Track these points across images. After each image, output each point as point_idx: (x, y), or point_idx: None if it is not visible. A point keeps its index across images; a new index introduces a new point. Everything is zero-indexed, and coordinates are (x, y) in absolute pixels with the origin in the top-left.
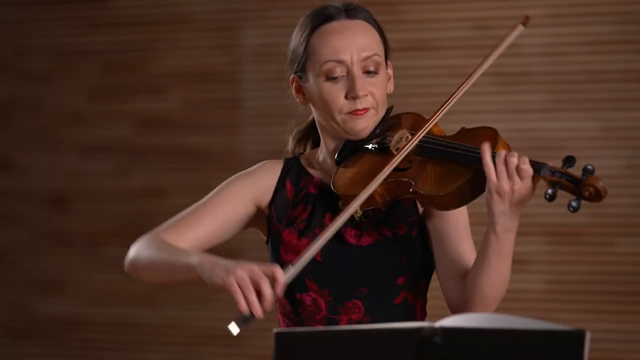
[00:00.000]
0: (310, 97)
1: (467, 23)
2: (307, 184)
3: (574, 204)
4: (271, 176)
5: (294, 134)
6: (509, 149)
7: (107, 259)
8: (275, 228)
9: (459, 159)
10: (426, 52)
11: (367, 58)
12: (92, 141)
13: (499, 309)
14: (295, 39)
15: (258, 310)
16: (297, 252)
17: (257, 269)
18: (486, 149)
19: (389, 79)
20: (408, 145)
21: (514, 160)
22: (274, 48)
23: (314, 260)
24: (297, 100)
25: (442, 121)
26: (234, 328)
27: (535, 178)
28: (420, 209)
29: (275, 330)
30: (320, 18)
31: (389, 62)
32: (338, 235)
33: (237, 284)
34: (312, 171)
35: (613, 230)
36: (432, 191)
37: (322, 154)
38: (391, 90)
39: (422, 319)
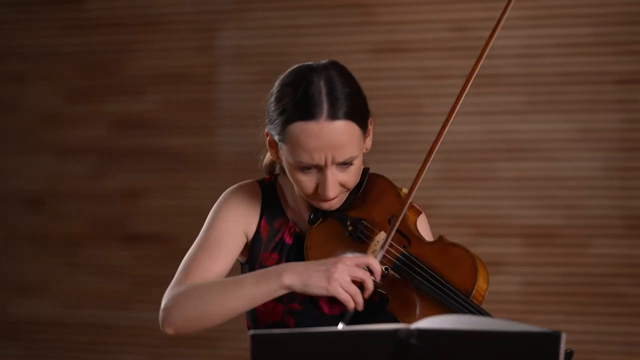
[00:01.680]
0: (283, 164)
1: (443, 25)
2: (282, 227)
3: None
4: (255, 208)
5: (265, 163)
6: (487, 276)
7: (83, 260)
8: (254, 267)
9: (437, 297)
10: (401, 53)
11: (342, 163)
12: (68, 142)
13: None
14: (274, 108)
15: (362, 307)
16: (271, 315)
17: (354, 265)
18: None
19: (368, 137)
20: (384, 246)
21: None
22: (249, 50)
23: (286, 326)
24: (269, 153)
25: (418, 123)
26: (341, 326)
27: None
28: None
29: (251, 332)
30: (302, 111)
31: (370, 119)
32: (312, 300)
33: (345, 290)
34: (287, 211)
35: (588, 232)
36: (400, 315)
37: (295, 195)
38: (368, 149)
39: None
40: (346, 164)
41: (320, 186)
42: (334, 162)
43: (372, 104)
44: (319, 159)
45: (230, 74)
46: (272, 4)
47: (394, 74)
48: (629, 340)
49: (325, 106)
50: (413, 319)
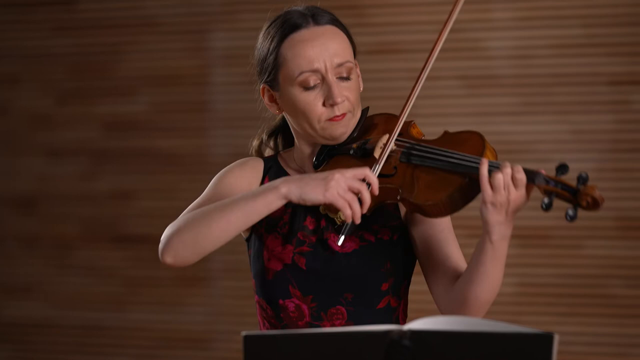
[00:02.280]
0: (286, 106)
1: (434, 26)
2: None
3: (570, 212)
4: (256, 173)
5: (265, 132)
6: (495, 153)
7: (74, 262)
8: (258, 231)
9: (449, 167)
10: (393, 55)
11: (340, 65)
12: (60, 144)
13: None
14: (263, 47)
15: (359, 219)
16: (281, 259)
17: (351, 177)
18: (484, 162)
19: (358, 78)
20: (388, 145)
21: (508, 170)
22: (241, 51)
23: (297, 268)
24: (270, 109)
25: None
26: (341, 240)
27: (529, 186)
28: (402, 213)
29: (243, 333)
30: (288, 26)
31: (355, 61)
32: (322, 241)
33: (342, 197)
34: (290, 172)
35: (581, 233)
36: (420, 199)
37: (298, 157)
38: (361, 88)
39: (404, 321)
40: (344, 77)
41: (327, 97)
42: (332, 66)
43: (364, 105)
44: (318, 64)
45: (221, 76)
46: (263, 5)
47: (386, 75)
48: (621, 342)
49: (309, 18)
50: (434, 197)
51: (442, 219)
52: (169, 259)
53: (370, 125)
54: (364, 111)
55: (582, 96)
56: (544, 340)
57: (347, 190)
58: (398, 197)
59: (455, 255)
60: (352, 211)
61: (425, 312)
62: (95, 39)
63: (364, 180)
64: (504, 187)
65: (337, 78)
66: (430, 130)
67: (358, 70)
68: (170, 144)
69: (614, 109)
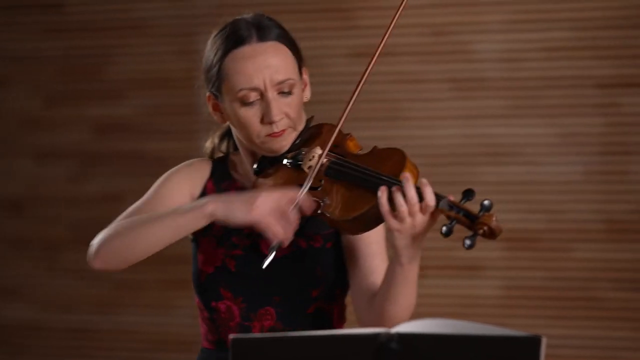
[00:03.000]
0: (228, 117)
1: (423, 29)
2: (229, 187)
3: (467, 242)
4: (201, 174)
5: (217, 134)
6: (416, 172)
7: (63, 265)
8: (196, 233)
9: (365, 184)
10: (380, 58)
11: (280, 82)
12: (48, 146)
13: (456, 315)
14: (209, 56)
15: (287, 240)
16: (212, 262)
17: (278, 198)
18: (383, 191)
19: (305, 87)
20: (319, 161)
21: (413, 201)
22: None
23: (227, 270)
24: (215, 117)
25: (397, 127)
26: (266, 262)
27: (435, 212)
28: None
29: (231, 336)
30: (232, 41)
31: (304, 69)
32: (254, 245)
33: (266, 218)
34: (235, 175)
35: (569, 236)
36: (337, 215)
37: (242, 158)
38: (307, 98)
39: (340, 324)
40: (286, 92)
41: (265, 114)
42: (272, 84)
43: (352, 108)
44: (257, 82)
45: None
46: (251, 8)
47: (373, 78)
48: (609, 345)
49: (254, 31)
50: (349, 214)
51: (371, 233)
52: (97, 264)
53: (314, 133)
54: (308, 121)
55: (571, 99)
56: (532, 343)
57: (271, 212)
58: (319, 211)
59: (380, 270)
60: (276, 232)
61: (413, 314)
62: (85, 42)
63: (291, 202)
64: (408, 215)
65: (277, 94)
66: (419, 133)
67: (306, 78)
68: (160, 147)
69: (603, 112)
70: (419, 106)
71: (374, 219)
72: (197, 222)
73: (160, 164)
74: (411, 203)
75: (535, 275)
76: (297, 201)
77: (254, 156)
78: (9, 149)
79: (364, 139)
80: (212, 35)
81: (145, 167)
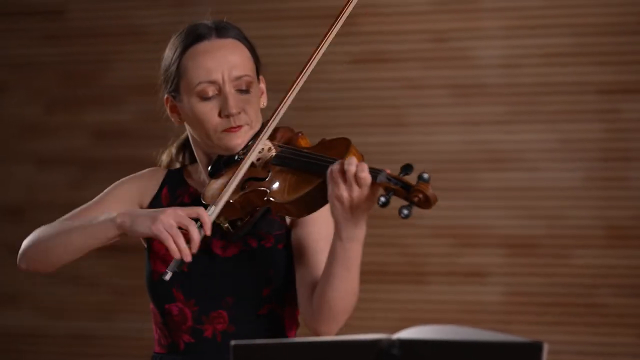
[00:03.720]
0: (185, 116)
1: (425, 35)
2: (183, 194)
3: (405, 211)
4: (154, 182)
5: (174, 145)
6: (360, 157)
7: (62, 271)
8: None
9: (310, 168)
10: (383, 64)
11: (238, 78)
12: (48, 152)
13: (457, 321)
14: (167, 57)
15: (188, 256)
16: (166, 261)
17: (182, 213)
18: (335, 162)
19: (262, 94)
20: (253, 149)
21: (351, 168)
22: None
23: (180, 271)
24: (172, 119)
25: (397, 133)
26: (167, 275)
27: (374, 185)
28: (288, 221)
29: (233, 342)
30: (191, 38)
31: (261, 77)
32: (205, 245)
33: (166, 231)
34: (190, 182)
35: (570, 242)
36: (283, 199)
37: (198, 168)
38: (264, 104)
39: (292, 328)
40: (243, 90)
41: (223, 107)
42: (230, 78)
43: (352, 114)
44: (215, 75)
45: None
46: (250, 14)
47: (375, 84)
48: (609, 351)
49: (213, 29)
50: (294, 195)
51: (321, 229)
52: (23, 265)
53: (271, 137)
54: (263, 124)
55: (571, 105)
56: (534, 350)
57: (172, 226)
58: (265, 198)
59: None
60: (176, 246)
61: (414, 320)
62: (84, 48)
63: (196, 219)
64: (345, 184)
65: (235, 90)
66: (420, 139)
67: (263, 87)
68: (158, 153)
69: (603, 118)
70: (419, 112)
71: (319, 198)
72: (108, 232)
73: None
74: (348, 170)
75: (535, 281)
76: (201, 218)
77: (209, 157)
78: (9, 155)
79: (368, 144)
80: (172, 39)
81: None
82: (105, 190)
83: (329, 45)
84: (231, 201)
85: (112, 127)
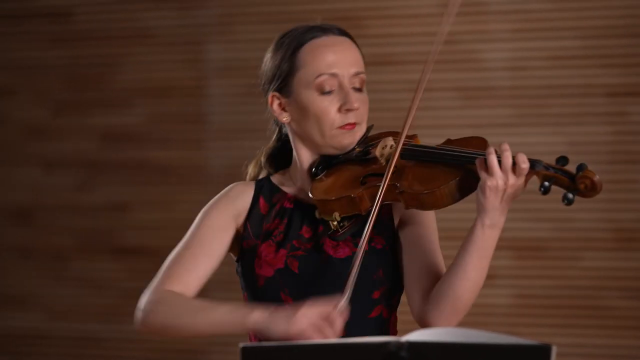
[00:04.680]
0: (297, 112)
1: (430, 38)
2: (281, 199)
3: (569, 196)
4: (245, 197)
5: (264, 154)
6: None
7: (70, 274)
8: (251, 244)
9: (449, 160)
10: (391, 66)
11: (356, 74)
12: (55, 155)
13: (465, 323)
14: (275, 57)
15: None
16: (272, 264)
17: (316, 316)
18: (489, 147)
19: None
20: (399, 144)
21: (508, 154)
22: (237, 63)
23: (290, 272)
24: (278, 117)
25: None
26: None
27: (529, 174)
28: (396, 221)
29: (241, 344)
30: (309, 34)
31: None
32: (317, 246)
33: (304, 334)
34: (284, 188)
35: (578, 245)
36: (419, 189)
37: (294, 171)
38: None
39: (395, 332)
40: (358, 88)
41: (344, 102)
42: (350, 74)
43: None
44: (337, 69)
45: (218, 87)
46: (259, 17)
47: (382, 87)
48: (617, 353)
49: (334, 27)
50: (433, 186)
51: (433, 230)
52: (143, 331)
53: (375, 138)
54: (369, 128)
55: (578, 107)
56: (542, 352)
57: (310, 325)
58: (397, 191)
59: (440, 261)
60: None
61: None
62: (91, 51)
63: (327, 319)
64: (502, 171)
65: (351, 88)
66: (425, 142)
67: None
68: (166, 156)
69: (610, 121)
70: (426, 114)
71: (458, 191)
72: (236, 327)
73: (167, 173)
74: (506, 156)
75: (543, 284)
76: (338, 308)
77: (313, 158)
78: (16, 158)
79: None
80: (275, 41)
81: (152, 176)
82: (195, 223)
83: None
84: (352, 196)
85: (119, 129)
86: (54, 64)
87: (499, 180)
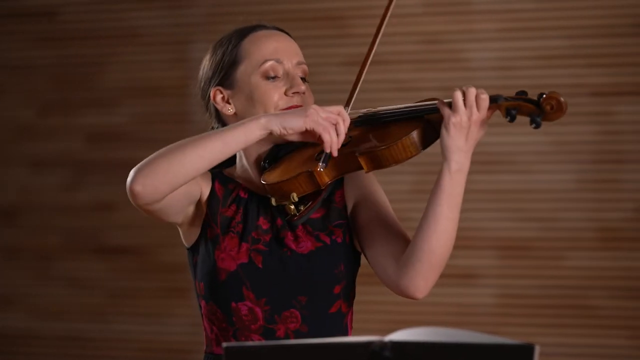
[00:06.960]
0: (242, 100)
1: (416, 37)
2: (236, 187)
3: (537, 119)
4: (206, 177)
5: None
6: None
7: (56, 273)
8: (214, 233)
9: (407, 115)
10: (375, 66)
11: (299, 63)
12: (41, 155)
13: (449, 323)
14: (216, 55)
15: (335, 151)
16: (236, 258)
17: (327, 110)
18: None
19: None
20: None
21: (472, 90)
22: None
23: (254, 267)
24: (222, 110)
25: None
26: (323, 167)
27: (491, 108)
28: (350, 208)
29: (224, 344)
30: (251, 27)
31: None
32: (277, 240)
33: (320, 123)
34: (237, 179)
35: (562, 245)
36: (380, 146)
37: (241, 168)
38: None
39: (351, 329)
40: (302, 78)
41: (290, 85)
42: (294, 63)
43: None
44: (281, 56)
45: None
46: (244, 16)
47: (368, 86)
48: (602, 353)
49: (273, 25)
50: (393, 140)
51: (387, 204)
52: (137, 187)
53: None
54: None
55: None
56: (525, 352)
57: (324, 119)
58: (356, 154)
59: (402, 228)
60: (330, 138)
61: (406, 322)
62: (78, 50)
63: (340, 114)
64: (465, 106)
65: (298, 68)
66: None
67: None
68: None
69: (596, 120)
70: None
71: (420, 141)
72: (252, 133)
73: None
74: (470, 92)
75: (528, 284)
76: (344, 114)
77: (259, 152)
78: (2, 158)
79: None
80: (212, 47)
81: None
82: None
83: (321, 47)
84: (310, 170)
85: (106, 129)
86: (41, 63)
87: (463, 115)
